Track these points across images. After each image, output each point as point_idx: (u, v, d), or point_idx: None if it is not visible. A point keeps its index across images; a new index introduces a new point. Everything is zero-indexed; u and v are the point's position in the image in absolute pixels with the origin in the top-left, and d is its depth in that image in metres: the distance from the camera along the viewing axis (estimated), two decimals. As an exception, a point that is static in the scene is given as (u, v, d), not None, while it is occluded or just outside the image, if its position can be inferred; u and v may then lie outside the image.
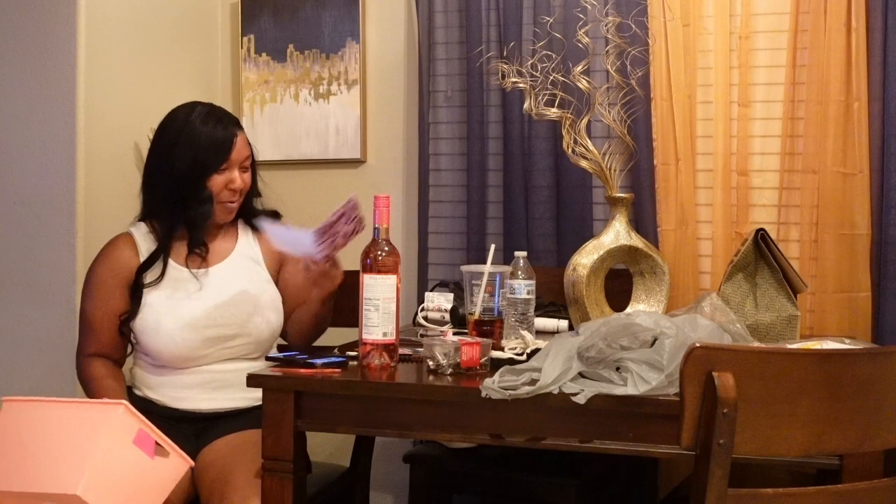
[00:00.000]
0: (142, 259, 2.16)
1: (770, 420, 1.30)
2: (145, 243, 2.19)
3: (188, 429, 2.13)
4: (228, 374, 2.15)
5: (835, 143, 2.51)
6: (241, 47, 3.17)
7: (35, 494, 1.69)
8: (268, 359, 1.95)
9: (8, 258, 2.57)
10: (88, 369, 2.17)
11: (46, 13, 2.54)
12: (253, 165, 2.24)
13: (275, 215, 2.32)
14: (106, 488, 1.67)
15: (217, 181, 2.14)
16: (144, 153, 2.72)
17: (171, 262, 2.17)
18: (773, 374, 1.30)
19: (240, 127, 2.22)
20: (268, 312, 2.20)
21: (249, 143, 2.23)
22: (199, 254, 2.18)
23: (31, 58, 2.55)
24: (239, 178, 2.17)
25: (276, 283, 2.27)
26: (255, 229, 2.29)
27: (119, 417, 1.72)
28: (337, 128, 3.09)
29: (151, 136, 2.66)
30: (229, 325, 2.15)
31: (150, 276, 2.15)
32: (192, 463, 1.90)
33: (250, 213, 2.29)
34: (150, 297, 2.14)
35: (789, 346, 1.87)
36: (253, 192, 2.27)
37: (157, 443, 1.77)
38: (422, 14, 2.91)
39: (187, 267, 2.17)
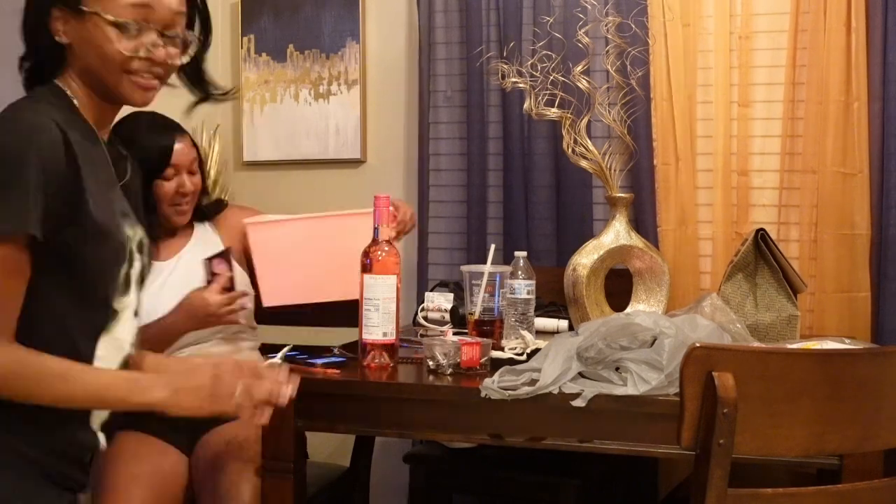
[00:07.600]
0: None
1: (770, 420, 1.30)
2: None
3: (181, 421, 2.12)
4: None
5: (835, 143, 2.51)
6: (241, 47, 3.17)
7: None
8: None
9: (8, 258, 2.56)
10: None
11: (46, 13, 2.53)
12: (201, 167, 2.30)
13: (219, 204, 2.41)
14: None
15: (166, 187, 2.19)
16: (144, 153, 2.72)
17: None
18: (773, 374, 1.30)
19: (181, 132, 2.24)
20: None
21: (197, 147, 2.29)
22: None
23: (31, 58, 2.54)
24: (188, 182, 2.22)
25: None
26: (210, 220, 2.35)
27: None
28: (337, 128, 3.09)
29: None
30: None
31: None
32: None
33: (200, 210, 2.34)
34: None
35: (789, 346, 1.87)
36: (203, 192, 2.32)
37: None
38: (422, 14, 2.91)
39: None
